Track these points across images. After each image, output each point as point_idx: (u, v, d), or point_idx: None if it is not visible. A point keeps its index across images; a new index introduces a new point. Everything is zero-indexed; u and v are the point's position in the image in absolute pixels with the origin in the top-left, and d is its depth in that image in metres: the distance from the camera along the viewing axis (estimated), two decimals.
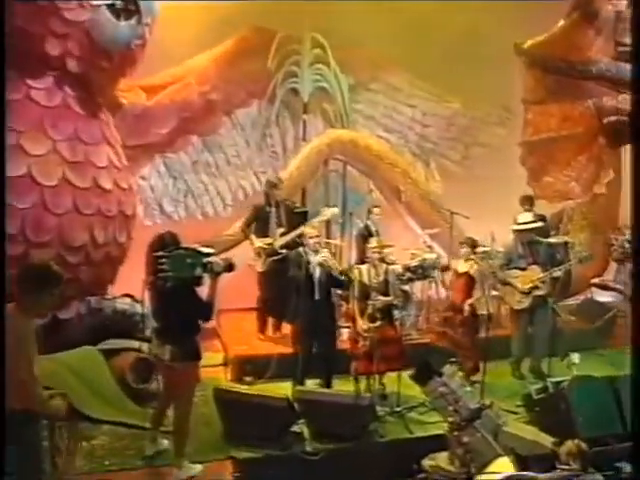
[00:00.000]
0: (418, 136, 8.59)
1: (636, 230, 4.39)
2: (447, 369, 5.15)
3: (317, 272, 5.76)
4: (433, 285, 7.35)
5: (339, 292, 6.22)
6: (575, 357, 5.56)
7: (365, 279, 5.94)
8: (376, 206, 7.50)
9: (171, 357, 4.46)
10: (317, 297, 5.80)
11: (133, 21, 6.02)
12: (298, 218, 6.96)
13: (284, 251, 6.63)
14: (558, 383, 5.45)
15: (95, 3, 5.82)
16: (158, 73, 7.32)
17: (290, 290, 6.53)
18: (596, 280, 7.99)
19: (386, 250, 6.22)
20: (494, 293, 7.12)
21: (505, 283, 6.53)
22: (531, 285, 6.37)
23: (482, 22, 7.30)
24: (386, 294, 5.93)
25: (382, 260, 6.02)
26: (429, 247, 7.44)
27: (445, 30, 7.43)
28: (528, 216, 6.64)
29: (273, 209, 6.89)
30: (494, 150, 8.59)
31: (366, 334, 5.81)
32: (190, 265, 4.32)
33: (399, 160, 8.13)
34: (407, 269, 6.88)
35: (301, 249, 5.85)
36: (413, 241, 7.81)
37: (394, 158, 8.07)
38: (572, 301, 7.85)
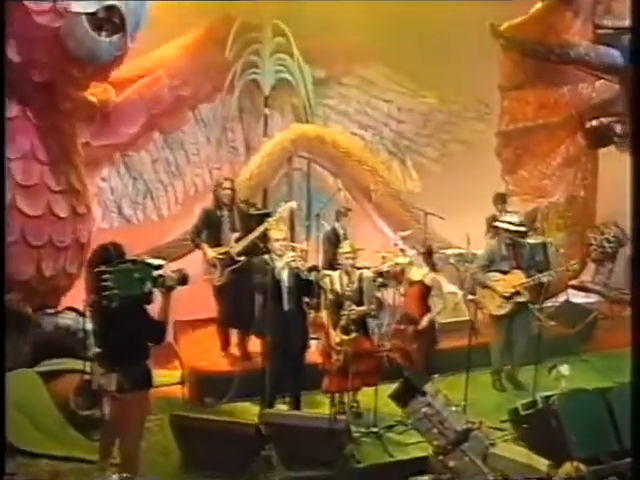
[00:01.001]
0: (394, 133, 8.07)
1: (636, 231, 4.20)
2: (430, 387, 4.71)
3: (285, 279, 5.22)
4: None
5: (306, 300, 5.68)
6: (564, 369, 5.16)
7: (337, 287, 5.42)
8: (348, 209, 6.96)
9: (118, 387, 3.87)
10: (287, 308, 5.27)
11: (115, 38, 5.26)
12: (257, 221, 6.35)
13: (242, 258, 6.07)
14: (547, 397, 5.03)
15: (73, 9, 5.04)
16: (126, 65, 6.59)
17: (254, 302, 5.98)
18: (574, 281, 7.65)
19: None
20: (470, 297, 6.76)
21: (485, 286, 6.10)
22: (513, 290, 5.96)
23: (461, 14, 6.85)
24: (360, 303, 5.43)
25: (354, 266, 5.50)
26: (402, 250, 6.95)
27: (422, 21, 6.93)
28: (515, 217, 6.22)
29: (225, 212, 6.25)
30: (473, 146, 8.15)
31: (340, 348, 5.30)
32: (138, 280, 3.75)
33: (368, 157, 7.62)
34: (379, 274, 6.40)
35: (267, 256, 5.28)
36: (384, 244, 7.32)
37: (363, 155, 7.56)
38: (549, 304, 7.48)
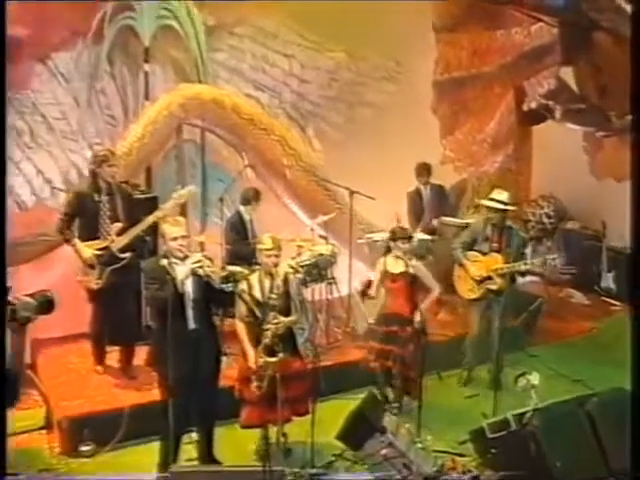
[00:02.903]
0: (295, 94, 7.18)
1: (635, 231, 4.05)
2: (389, 421, 3.81)
3: (190, 290, 4.10)
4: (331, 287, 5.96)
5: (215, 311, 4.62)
6: (534, 377, 4.43)
7: (257, 294, 4.36)
8: (255, 189, 5.91)
9: None
10: (192, 326, 4.17)
11: None
12: (144, 207, 5.30)
13: (127, 255, 5.00)
14: (520, 416, 4.27)
15: None
16: None
17: (140, 309, 5.23)
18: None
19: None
20: None
21: (460, 264, 5.55)
22: (485, 275, 5.42)
23: None
24: (287, 311, 4.41)
25: (277, 265, 4.45)
26: (323, 238, 6.02)
27: None
28: (504, 195, 5.55)
29: (104, 197, 5.05)
30: (381, 110, 7.48)
31: (263, 372, 4.26)
32: None
33: (276, 125, 6.57)
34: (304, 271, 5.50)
35: (164, 261, 4.07)
36: (297, 231, 6.35)
37: (270, 123, 6.50)
38: None
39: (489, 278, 5.40)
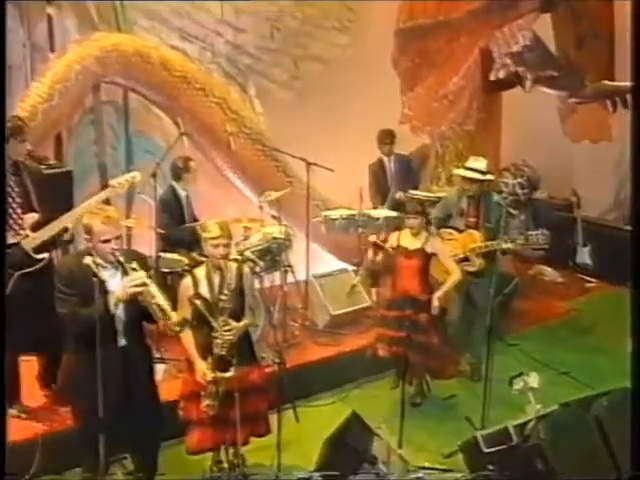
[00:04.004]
0: (230, 46, 6.40)
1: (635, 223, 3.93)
2: (379, 449, 3.26)
3: (122, 309, 3.40)
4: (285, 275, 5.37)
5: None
6: (533, 379, 3.97)
7: (205, 293, 3.69)
8: (186, 158, 5.20)
9: None
10: (123, 342, 3.48)
11: None
12: (55, 186, 4.52)
13: (43, 256, 4.14)
14: (522, 426, 3.81)
15: None
16: None
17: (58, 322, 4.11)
18: None
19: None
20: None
21: None
22: (462, 255, 5.03)
23: None
24: (240, 312, 3.75)
25: (228, 257, 3.78)
26: (275, 218, 5.40)
27: None
28: (482, 163, 5.11)
29: (12, 177, 4.18)
30: (332, 66, 6.92)
31: (215, 388, 3.63)
32: None
33: (215, 84, 5.80)
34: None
35: (89, 259, 3.28)
36: (243, 210, 5.72)
37: (208, 81, 5.73)
38: None
39: (466, 259, 5.02)
